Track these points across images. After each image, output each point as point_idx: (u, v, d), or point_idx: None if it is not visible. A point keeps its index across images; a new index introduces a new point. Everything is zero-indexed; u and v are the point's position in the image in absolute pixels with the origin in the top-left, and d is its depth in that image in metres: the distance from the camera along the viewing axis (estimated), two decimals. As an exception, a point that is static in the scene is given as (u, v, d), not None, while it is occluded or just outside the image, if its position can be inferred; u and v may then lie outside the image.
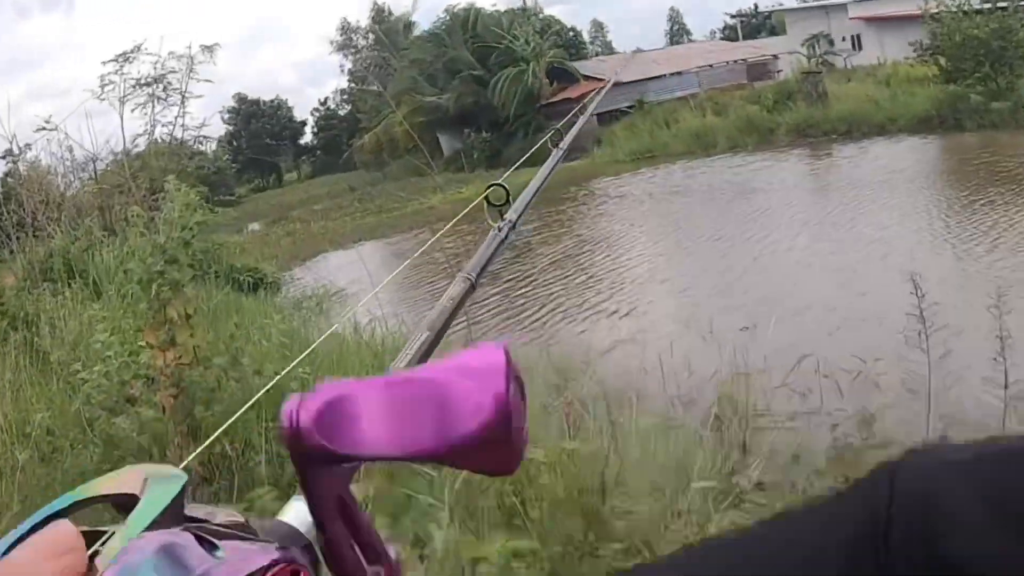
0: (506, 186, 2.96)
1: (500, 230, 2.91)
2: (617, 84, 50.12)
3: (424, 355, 2.14)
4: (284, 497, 4.51)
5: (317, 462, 0.53)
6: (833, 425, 3.67)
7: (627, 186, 32.73)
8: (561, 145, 5.06)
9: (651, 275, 17.51)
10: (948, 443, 0.60)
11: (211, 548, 0.50)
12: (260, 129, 76.27)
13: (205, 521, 0.55)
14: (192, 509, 0.57)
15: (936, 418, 4.61)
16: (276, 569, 0.51)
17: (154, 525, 0.52)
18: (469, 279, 2.53)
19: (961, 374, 4.91)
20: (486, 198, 2.99)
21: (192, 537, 0.50)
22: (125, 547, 0.47)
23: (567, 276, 18.54)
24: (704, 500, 3.30)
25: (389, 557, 0.61)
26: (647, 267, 18.27)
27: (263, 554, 0.52)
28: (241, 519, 0.57)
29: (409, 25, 65.68)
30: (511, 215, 2.98)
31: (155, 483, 0.55)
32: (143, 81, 16.17)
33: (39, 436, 7.73)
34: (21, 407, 8.43)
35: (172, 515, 0.53)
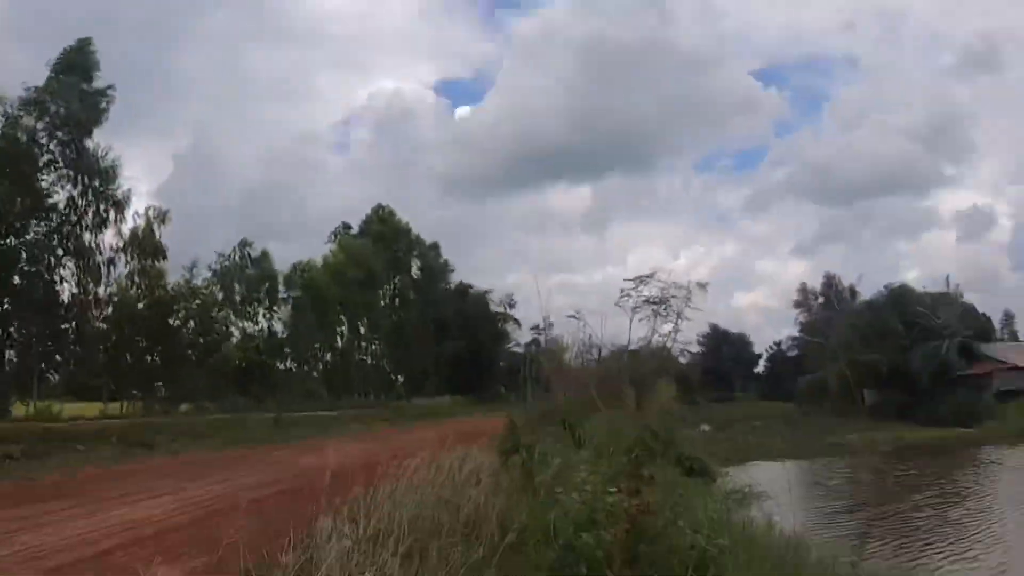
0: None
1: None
2: (1019, 368, 43.89)
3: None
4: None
5: None
6: None
7: (1016, 457, 29.01)
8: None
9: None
10: None
11: None
12: (725, 354, 74.71)
13: None
14: None
15: None
16: None
17: None
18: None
19: None
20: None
21: None
22: None
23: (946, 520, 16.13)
24: None
25: None
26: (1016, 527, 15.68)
27: None
28: None
29: (854, 293, 61.88)
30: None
31: None
32: (652, 300, 15.97)
33: (514, 528, 7.34)
34: (509, 505, 8.28)
35: None
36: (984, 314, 55.81)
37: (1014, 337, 64.61)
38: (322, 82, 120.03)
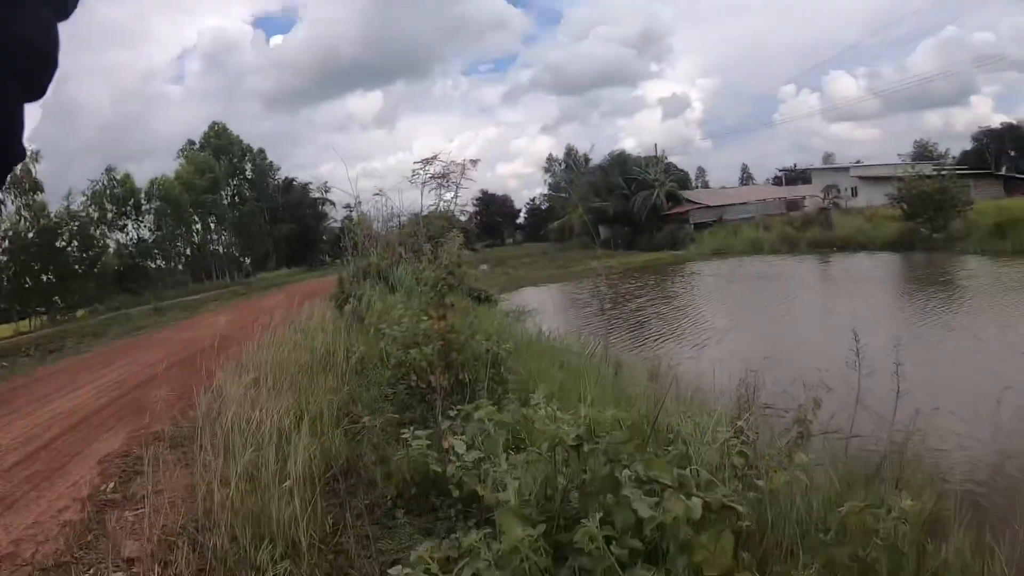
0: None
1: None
2: (708, 207, 50.24)
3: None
4: (496, 406, 4.86)
5: None
6: (799, 406, 3.82)
7: (707, 268, 32.51)
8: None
9: (714, 319, 17.46)
10: None
11: None
12: (494, 210, 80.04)
13: None
14: None
15: (860, 406, 4.71)
16: None
17: None
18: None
19: (875, 382, 4.98)
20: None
21: None
22: None
23: (662, 314, 18.66)
24: (718, 432, 3.52)
25: None
26: (712, 315, 18.20)
27: None
28: None
29: (587, 159, 68.48)
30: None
31: None
32: (436, 176, 17.11)
33: (356, 359, 8.49)
34: (349, 342, 9.12)
35: None
36: (683, 170, 62.56)
37: (705, 185, 76.70)
38: (156, 25, 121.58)
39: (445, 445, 4.32)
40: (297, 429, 5.00)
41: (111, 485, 5.23)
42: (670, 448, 2.98)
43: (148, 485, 4.35)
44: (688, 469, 3.23)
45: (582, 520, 1.85)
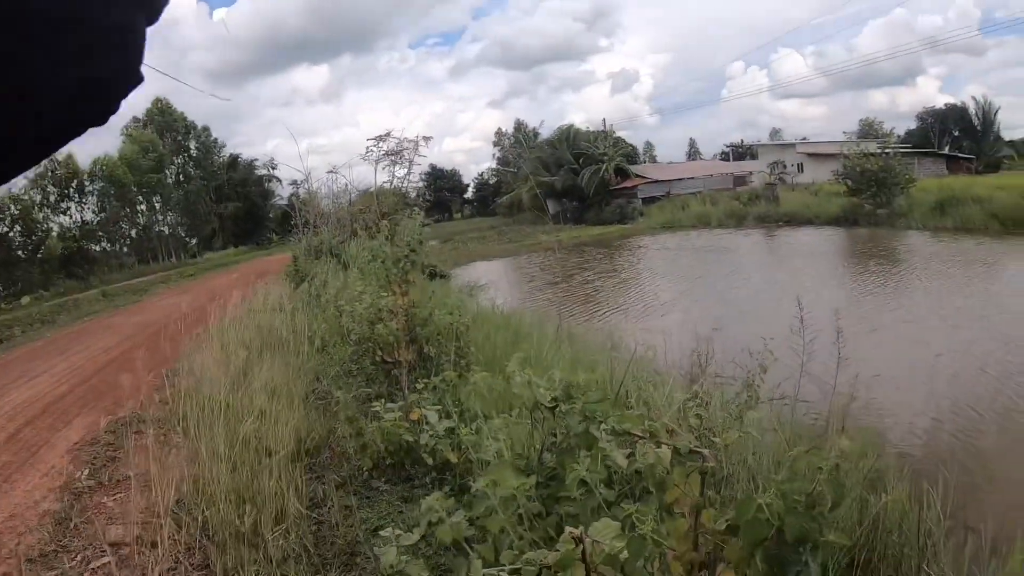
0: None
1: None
2: (656, 181, 50.96)
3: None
4: (460, 378, 5.06)
5: None
6: (748, 373, 4.12)
7: (655, 242, 32.91)
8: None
9: (663, 292, 17.81)
10: None
11: None
12: (443, 185, 79.63)
13: None
14: None
15: (804, 373, 5.06)
16: None
17: None
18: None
19: (818, 350, 5.30)
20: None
21: None
22: None
23: (612, 287, 19.03)
24: (675, 398, 3.78)
25: None
26: (661, 288, 18.59)
27: None
28: None
29: (535, 134, 68.27)
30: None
31: None
32: (389, 153, 17.08)
33: (317, 337, 8.60)
34: (309, 322, 9.22)
35: None
36: (631, 144, 62.52)
37: (653, 160, 77.21)
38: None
39: (413, 417, 4.55)
40: (271, 406, 5.14)
41: (85, 472, 5.25)
42: (631, 411, 3.23)
43: (131, 466, 4.42)
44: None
45: (567, 468, 2.10)
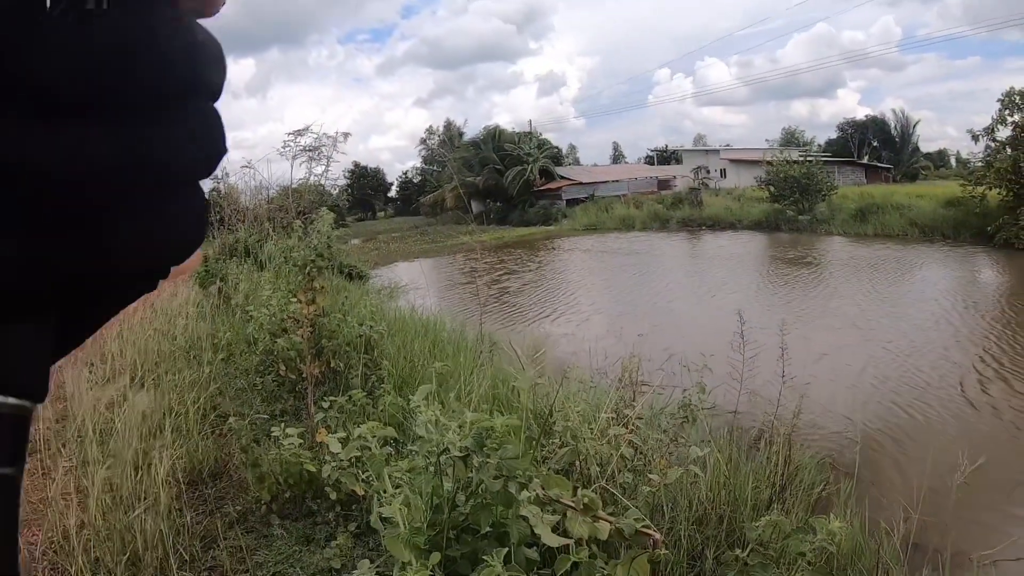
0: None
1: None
2: (581, 183, 51.31)
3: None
4: (370, 396, 4.63)
5: None
6: (684, 391, 3.85)
7: (578, 244, 32.93)
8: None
9: (586, 296, 17.65)
10: None
11: None
12: (366, 184, 77.74)
13: None
14: None
15: (744, 391, 4.84)
16: None
17: None
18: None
19: (761, 366, 5.13)
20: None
21: None
22: None
23: (535, 290, 18.77)
24: (607, 422, 3.48)
25: None
26: (585, 291, 18.46)
27: None
28: None
29: (461, 134, 67.58)
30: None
31: None
32: (307, 148, 16.36)
33: (223, 345, 7.99)
34: (215, 327, 8.67)
35: None
36: (556, 146, 62.75)
37: (577, 162, 77.05)
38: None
39: (319, 438, 4.08)
40: (160, 431, 4.59)
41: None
42: (559, 442, 2.91)
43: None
44: (578, 461, 3.18)
45: (483, 556, 1.71)
